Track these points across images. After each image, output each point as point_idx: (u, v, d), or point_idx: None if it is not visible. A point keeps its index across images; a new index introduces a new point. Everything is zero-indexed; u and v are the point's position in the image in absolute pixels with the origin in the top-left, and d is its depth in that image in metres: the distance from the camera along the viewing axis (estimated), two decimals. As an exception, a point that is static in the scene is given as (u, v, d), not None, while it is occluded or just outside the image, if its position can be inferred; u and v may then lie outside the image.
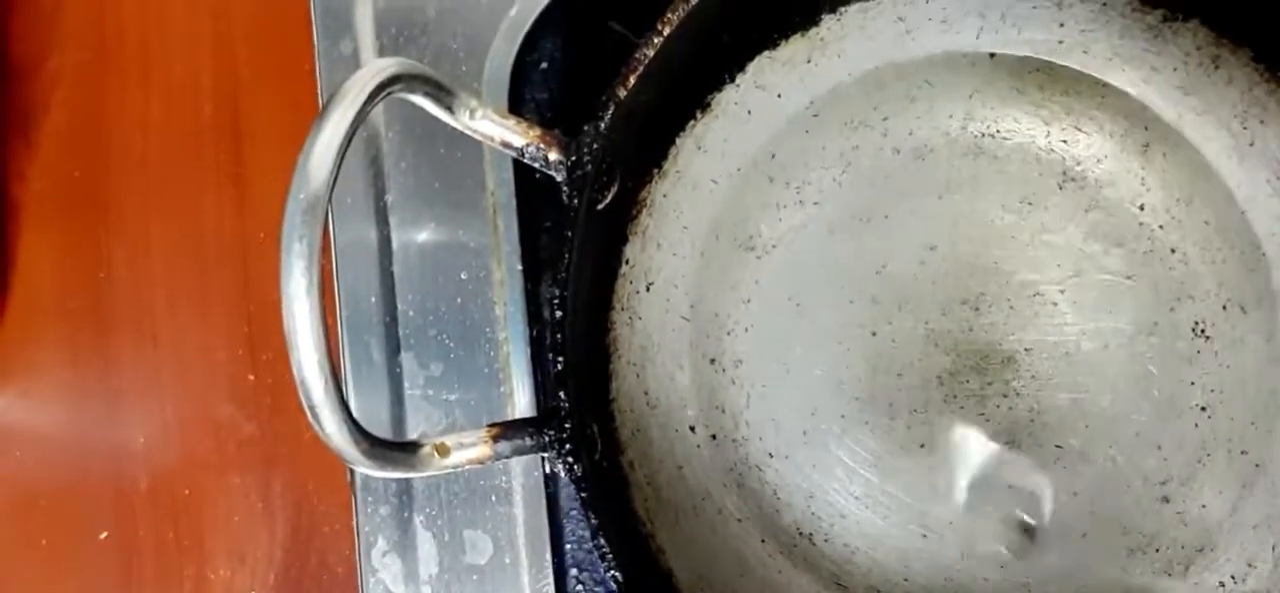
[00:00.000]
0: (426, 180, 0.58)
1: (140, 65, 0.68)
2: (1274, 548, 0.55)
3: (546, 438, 0.44)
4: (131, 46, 0.68)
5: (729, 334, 0.56)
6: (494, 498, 0.58)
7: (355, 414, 0.53)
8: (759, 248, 0.57)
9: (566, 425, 0.44)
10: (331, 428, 0.40)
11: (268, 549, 0.64)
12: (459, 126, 0.44)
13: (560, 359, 0.44)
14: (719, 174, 0.55)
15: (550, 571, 0.56)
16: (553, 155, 0.45)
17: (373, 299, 0.58)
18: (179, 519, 0.64)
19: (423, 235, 0.58)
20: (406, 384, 0.58)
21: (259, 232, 0.66)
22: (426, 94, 0.43)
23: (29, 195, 0.68)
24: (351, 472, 0.58)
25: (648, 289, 0.54)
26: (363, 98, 0.40)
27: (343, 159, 0.39)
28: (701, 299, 0.56)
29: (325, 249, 0.58)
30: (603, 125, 0.44)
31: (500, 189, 0.58)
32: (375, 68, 0.40)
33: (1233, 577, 0.55)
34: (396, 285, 0.58)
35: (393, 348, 0.58)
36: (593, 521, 0.43)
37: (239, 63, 0.67)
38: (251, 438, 0.66)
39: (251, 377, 0.65)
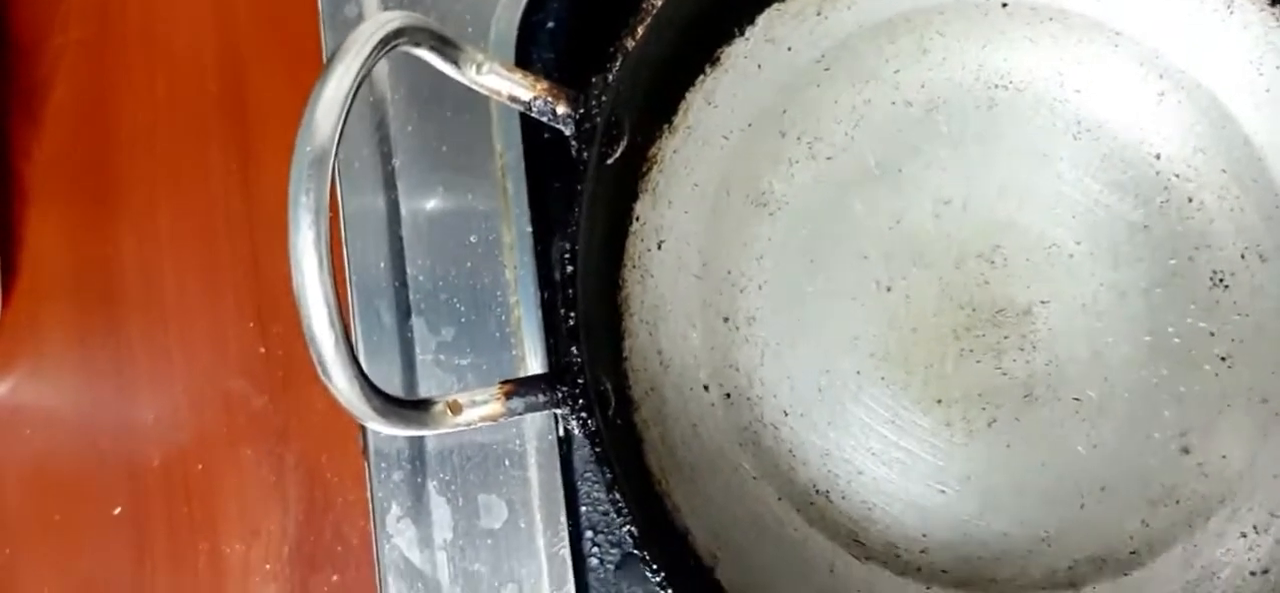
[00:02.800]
0: (434, 144, 0.58)
1: (144, 41, 0.67)
2: (1296, 498, 0.54)
3: (559, 394, 0.44)
4: (134, 22, 0.67)
5: (742, 292, 0.56)
6: (507, 462, 0.57)
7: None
8: (771, 204, 0.56)
9: (579, 381, 0.43)
10: (342, 384, 0.40)
11: (281, 523, 0.63)
12: (465, 81, 0.44)
13: (572, 315, 0.43)
14: (730, 129, 0.55)
15: (565, 533, 0.56)
16: (561, 108, 0.44)
17: (382, 265, 0.57)
18: (192, 495, 0.64)
19: (431, 200, 0.58)
20: (418, 349, 0.58)
21: (267, 204, 0.65)
22: (432, 48, 0.42)
23: (35, 174, 0.67)
24: (364, 439, 0.58)
25: (659, 247, 0.54)
26: (367, 50, 0.39)
27: (348, 112, 0.39)
28: (714, 256, 0.55)
29: (334, 216, 0.58)
30: (611, 77, 0.44)
31: (509, 151, 0.57)
32: (380, 21, 0.40)
33: (1254, 527, 0.54)
34: (406, 250, 0.57)
35: (403, 313, 0.57)
36: (608, 475, 0.43)
37: (243, 36, 0.67)
38: (263, 412, 0.66)
39: (262, 350, 0.64)
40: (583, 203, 0.44)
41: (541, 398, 0.44)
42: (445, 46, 0.42)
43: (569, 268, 0.43)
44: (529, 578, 0.57)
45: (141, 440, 0.65)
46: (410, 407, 0.42)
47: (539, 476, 0.56)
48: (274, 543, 0.64)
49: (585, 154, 0.43)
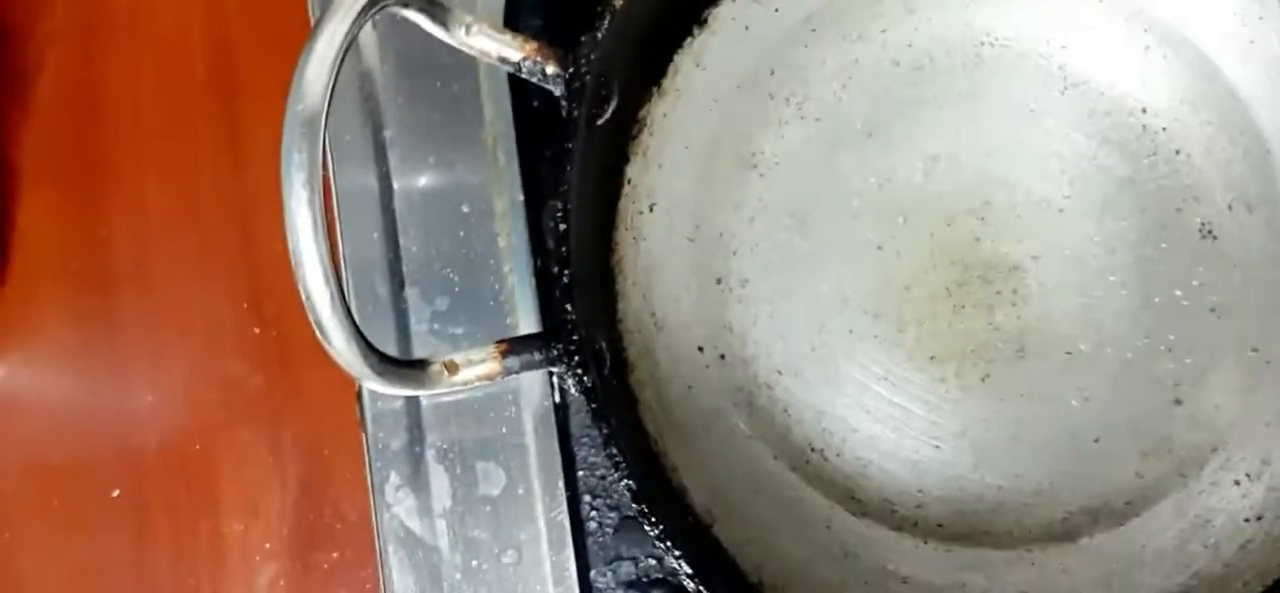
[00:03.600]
0: (424, 115, 0.58)
1: (132, 25, 0.67)
2: (1288, 444, 0.54)
3: (555, 352, 0.44)
4: (122, 6, 0.67)
5: (734, 253, 0.56)
6: (505, 429, 0.58)
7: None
8: (762, 165, 0.56)
9: (574, 338, 0.44)
10: (340, 343, 0.40)
11: (280, 501, 0.63)
12: (454, 44, 0.44)
13: (566, 273, 0.43)
14: (719, 91, 0.55)
15: (563, 499, 0.56)
16: (550, 68, 0.44)
17: (376, 236, 0.57)
18: (191, 476, 0.64)
19: (423, 170, 0.58)
20: (412, 319, 0.58)
21: (258, 185, 0.65)
22: (420, 8, 0.42)
23: (26, 159, 0.67)
24: (361, 409, 0.58)
25: (651, 210, 0.54)
26: (356, 10, 0.39)
27: (338, 73, 0.39)
28: (705, 219, 0.56)
29: (326, 189, 0.58)
30: (600, 34, 0.44)
31: (499, 120, 0.57)
32: (364, -15, 0.40)
33: (1247, 475, 0.55)
34: (398, 222, 0.58)
35: (397, 284, 0.58)
36: (604, 430, 0.43)
37: (230, 17, 0.67)
38: (259, 391, 0.66)
39: (257, 330, 0.65)
40: (573, 162, 0.44)
41: (537, 356, 0.44)
42: (433, 8, 0.43)
43: (562, 226, 0.44)
44: (528, 543, 0.57)
45: (138, 423, 0.65)
46: (407, 366, 0.42)
47: (536, 442, 0.57)
48: (273, 522, 0.64)
49: (576, 113, 0.44)
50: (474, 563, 0.57)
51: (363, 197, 0.58)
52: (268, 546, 0.64)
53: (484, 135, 0.58)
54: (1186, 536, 0.55)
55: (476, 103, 0.58)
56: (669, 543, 0.44)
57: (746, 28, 0.55)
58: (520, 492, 0.57)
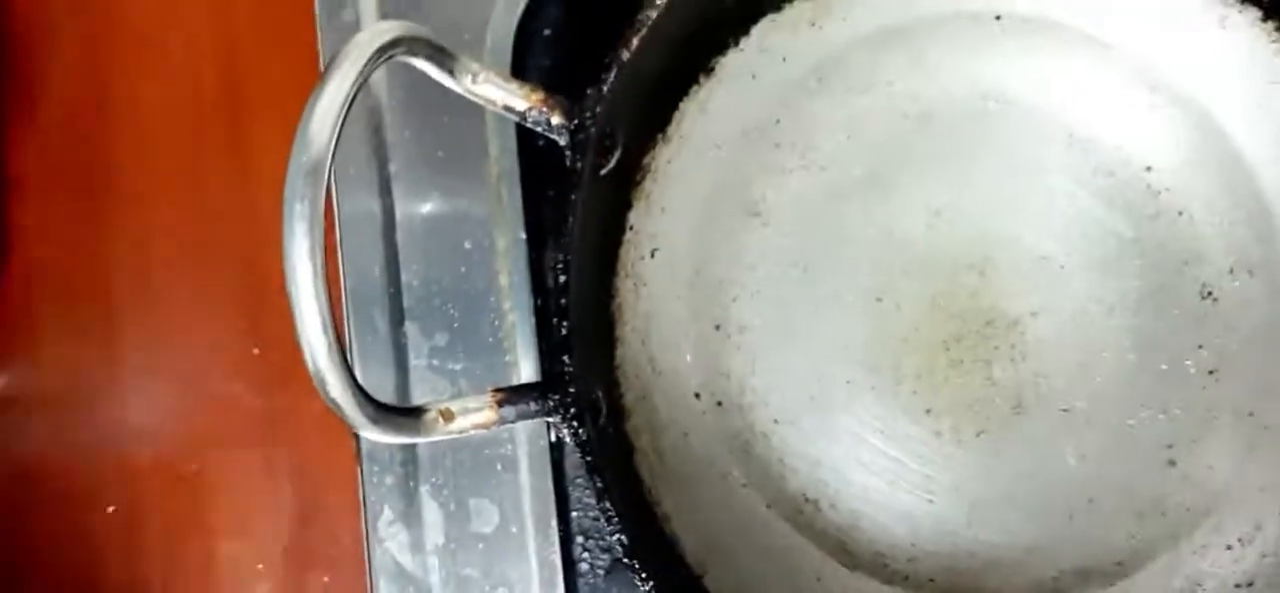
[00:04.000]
0: (430, 150, 0.58)
1: (139, 37, 0.67)
2: (1281, 511, 0.54)
3: (551, 403, 0.44)
4: (132, 18, 0.67)
5: (734, 300, 0.56)
6: (499, 467, 0.58)
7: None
8: (764, 214, 0.56)
9: (571, 390, 0.44)
10: (336, 393, 0.40)
11: (274, 523, 0.63)
12: (461, 91, 0.44)
13: (564, 324, 0.44)
14: (723, 139, 0.55)
15: (556, 538, 0.56)
16: (556, 119, 0.44)
17: (377, 270, 0.58)
18: (185, 494, 0.64)
19: (426, 205, 0.58)
20: (411, 354, 0.58)
21: (262, 204, 0.65)
22: (428, 57, 0.42)
23: (30, 171, 0.67)
24: (357, 442, 0.58)
25: (652, 255, 0.54)
26: (363, 60, 0.39)
27: (344, 122, 0.39)
28: (706, 265, 0.56)
29: (329, 220, 0.58)
30: (606, 88, 0.44)
31: (504, 157, 0.57)
32: (377, 30, 0.40)
33: (1239, 540, 0.55)
34: (400, 256, 0.58)
35: (397, 319, 0.58)
36: (598, 484, 0.43)
37: (240, 33, 0.67)
38: (256, 412, 0.66)
39: (256, 351, 0.65)
40: (576, 212, 0.44)
41: (533, 406, 0.44)
42: (441, 56, 0.43)
43: (562, 278, 0.44)
44: (520, 582, 0.58)
45: (135, 439, 0.65)
46: (403, 414, 0.42)
47: (530, 480, 0.57)
48: (266, 544, 0.64)
49: (579, 164, 0.44)
50: (465, 600, 0.58)
51: (366, 229, 0.58)
52: (260, 566, 0.64)
53: (488, 171, 0.58)
54: (1177, 599, 0.55)
55: (481, 139, 0.58)
56: (659, 598, 0.43)
57: (753, 77, 0.55)
58: (513, 530, 0.57)
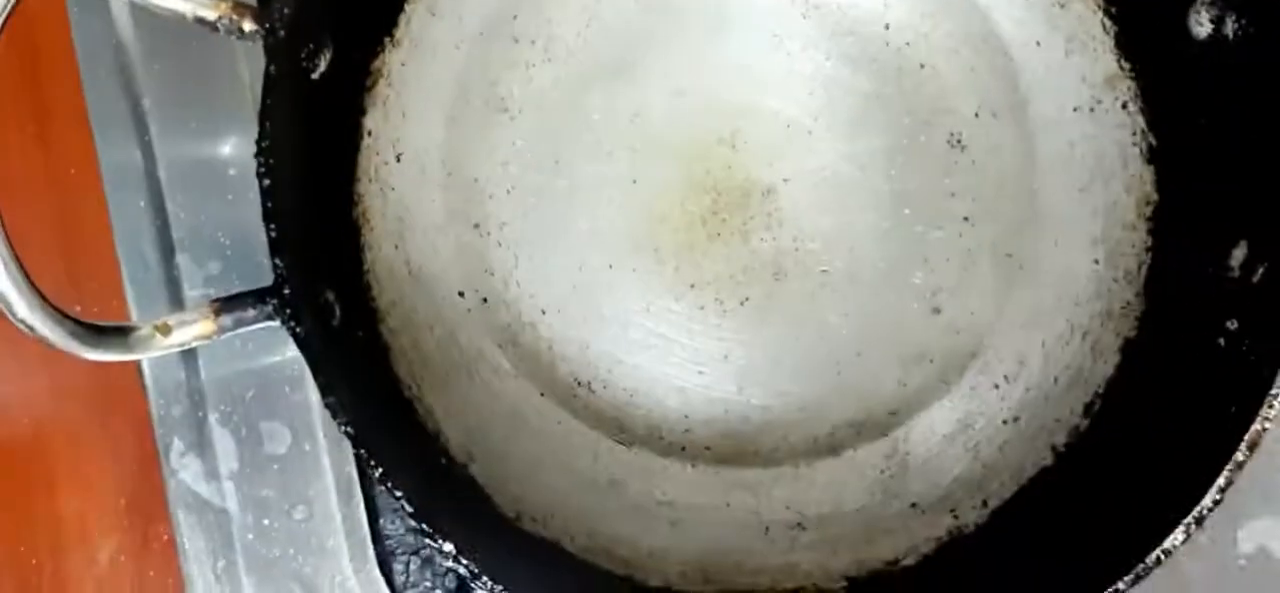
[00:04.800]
0: (183, 80, 0.59)
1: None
2: (1042, 344, 0.56)
3: (270, 307, 0.45)
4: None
5: (491, 198, 0.57)
6: (287, 388, 0.59)
7: (134, 319, 0.54)
8: (511, 109, 0.57)
9: (285, 291, 0.44)
10: (26, 314, 0.41)
11: (115, 476, 0.64)
12: (149, 7, 0.44)
13: (272, 227, 0.44)
14: (459, 38, 0.56)
15: (350, 452, 0.57)
16: (247, 25, 0.45)
17: (141, 204, 0.58)
18: (23, 456, 0.64)
19: (185, 136, 0.58)
20: (185, 286, 0.58)
21: (67, 162, 0.65)
22: (101, -24, 0.43)
23: None
24: (141, 376, 0.59)
25: (398, 159, 0.55)
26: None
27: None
28: (458, 166, 0.56)
29: (90, 161, 0.58)
30: (291, -10, 0.44)
31: (257, 81, 0.57)
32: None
33: (1006, 377, 0.56)
34: (164, 189, 0.58)
35: (168, 251, 0.58)
36: (320, 380, 0.44)
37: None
38: (86, 367, 0.66)
39: (78, 308, 0.65)
40: (275, 116, 0.44)
41: (252, 313, 0.45)
42: (117, -26, 0.43)
43: (266, 182, 0.44)
44: (318, 498, 0.59)
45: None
46: (112, 332, 0.43)
47: (319, 398, 0.57)
48: (110, 496, 0.64)
49: (272, 69, 0.44)
50: (265, 522, 0.59)
51: (127, 166, 0.58)
52: (106, 520, 0.65)
53: (243, 94, 0.58)
54: (949, 441, 0.56)
55: (233, 64, 0.58)
56: (391, 484, 0.44)
57: (480, -28, 0.55)
58: (306, 448, 0.58)
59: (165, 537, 0.64)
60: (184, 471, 0.59)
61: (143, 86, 0.59)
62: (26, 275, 0.40)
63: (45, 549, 0.65)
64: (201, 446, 0.59)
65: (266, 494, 0.59)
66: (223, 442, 0.59)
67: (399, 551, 0.60)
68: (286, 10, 0.45)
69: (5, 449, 0.64)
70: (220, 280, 0.59)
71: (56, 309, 0.41)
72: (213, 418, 0.59)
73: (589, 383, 0.57)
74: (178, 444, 0.59)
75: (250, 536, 0.59)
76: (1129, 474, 0.51)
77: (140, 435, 0.63)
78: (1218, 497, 0.45)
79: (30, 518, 0.64)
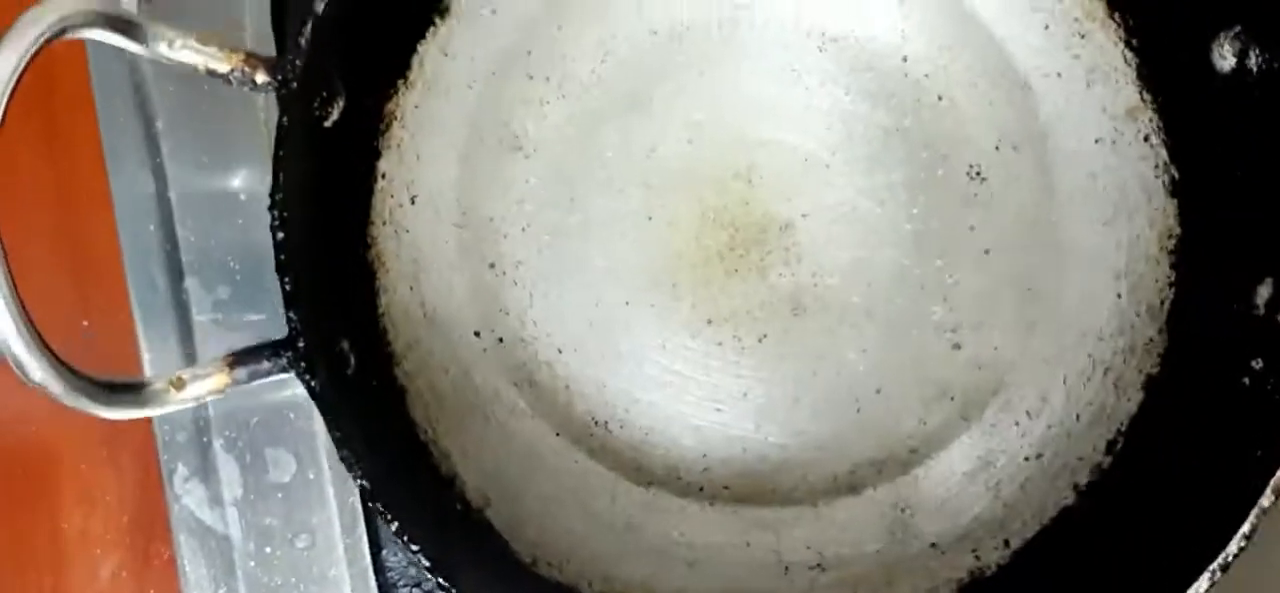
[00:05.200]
0: (197, 106, 0.58)
1: None
2: (1064, 380, 0.55)
3: (284, 360, 0.44)
4: None
5: (505, 237, 0.56)
6: (293, 415, 0.58)
7: (143, 344, 0.53)
8: (526, 147, 0.57)
9: (299, 345, 0.44)
10: (40, 376, 0.40)
11: (118, 493, 0.63)
12: (158, 59, 0.44)
13: (287, 280, 0.44)
14: (472, 78, 0.55)
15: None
16: (260, 78, 0.45)
17: (151, 227, 0.58)
18: (26, 472, 0.64)
19: (197, 162, 0.58)
20: (194, 310, 0.58)
21: (79, 179, 0.65)
22: (110, 29, 0.42)
23: None
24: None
25: (412, 201, 0.54)
26: (25, 43, 0.40)
27: (5, 107, 0.39)
28: (473, 205, 0.56)
29: (99, 189, 0.58)
30: (304, 41, 0.44)
31: (271, 111, 0.57)
32: (36, 14, 0.40)
33: (1027, 414, 0.56)
34: (175, 212, 0.58)
35: (176, 275, 0.58)
36: (336, 434, 0.44)
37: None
38: (90, 382, 0.65)
39: (85, 323, 0.64)
40: (288, 166, 0.44)
41: (266, 365, 0.45)
42: (127, 28, 0.43)
43: (280, 234, 0.44)
44: (321, 527, 0.58)
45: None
46: (124, 390, 0.43)
47: (325, 427, 0.57)
48: (112, 513, 0.64)
49: (285, 120, 0.44)
50: (267, 550, 0.58)
51: (137, 191, 0.58)
52: (108, 537, 0.64)
53: (257, 120, 0.58)
54: (970, 478, 0.56)
55: (249, 94, 0.57)
56: (406, 537, 0.44)
57: (493, 11, 0.55)
58: (311, 476, 0.58)
59: (166, 555, 0.64)
60: (187, 496, 0.59)
61: (157, 108, 0.58)
62: (39, 336, 0.40)
63: (47, 565, 0.65)
64: (206, 471, 0.59)
65: (269, 522, 0.59)
66: (227, 468, 0.59)
67: (401, 582, 0.60)
68: (298, 62, 0.44)
69: (8, 464, 0.64)
70: (229, 306, 0.59)
71: (68, 368, 0.41)
72: (217, 444, 0.59)
73: (606, 422, 0.56)
74: (182, 469, 0.59)
75: (252, 563, 0.59)
76: (1152, 516, 0.50)
77: (144, 454, 0.62)
78: (1243, 544, 0.45)
79: (32, 533, 0.64)
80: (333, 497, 0.58)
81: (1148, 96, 0.54)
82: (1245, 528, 0.45)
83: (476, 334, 0.56)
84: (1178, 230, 0.54)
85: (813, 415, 0.57)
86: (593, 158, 0.57)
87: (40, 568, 0.64)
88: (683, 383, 0.57)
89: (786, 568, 0.55)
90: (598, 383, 0.57)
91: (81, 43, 0.58)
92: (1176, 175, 0.54)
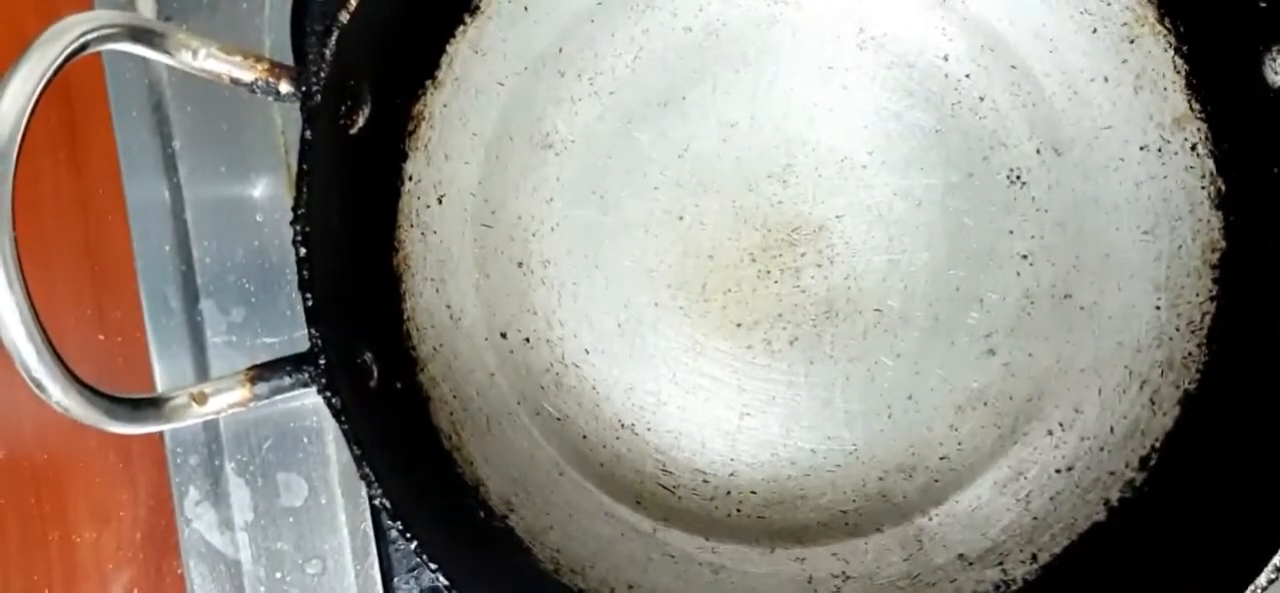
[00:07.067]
0: (214, 123, 0.57)
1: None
2: (1100, 392, 0.54)
3: (306, 375, 0.44)
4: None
5: (534, 236, 0.56)
6: (305, 439, 0.58)
7: (155, 365, 0.53)
8: (557, 145, 0.55)
9: (321, 361, 0.43)
10: (57, 393, 0.40)
11: (132, 508, 0.63)
12: (182, 68, 0.43)
13: (309, 296, 0.43)
14: (504, 75, 0.54)
15: (367, 508, 0.57)
16: (284, 87, 0.44)
17: (167, 248, 0.57)
18: (40, 485, 0.64)
19: (214, 180, 0.57)
20: (208, 332, 0.58)
21: (98, 189, 0.65)
22: (135, 40, 0.42)
23: None
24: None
25: (440, 202, 0.53)
26: (51, 55, 0.39)
27: (28, 122, 0.38)
28: (502, 204, 0.55)
29: (116, 199, 0.57)
30: (329, 50, 0.43)
31: (289, 128, 0.56)
32: (66, 25, 0.39)
33: (1060, 424, 0.55)
34: (191, 233, 0.57)
35: (192, 297, 0.57)
36: (355, 450, 0.43)
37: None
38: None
39: (101, 337, 0.64)
40: (313, 180, 0.43)
41: (288, 380, 0.44)
42: (151, 38, 0.42)
43: (303, 250, 0.43)
44: (332, 553, 0.58)
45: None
46: (145, 404, 0.42)
47: (337, 451, 0.57)
48: (126, 529, 0.64)
49: (309, 132, 0.43)
50: (278, 575, 0.58)
51: (154, 208, 0.58)
52: (121, 552, 0.65)
53: (275, 141, 0.57)
54: (1000, 489, 0.55)
55: (267, 109, 0.57)
56: (426, 557, 0.44)
57: (526, 8, 0.54)
58: (323, 502, 0.58)
59: (178, 571, 0.64)
60: (198, 520, 0.59)
61: (175, 127, 0.57)
62: (59, 357, 0.39)
63: (59, 580, 0.65)
64: (217, 495, 0.58)
65: (281, 547, 0.59)
66: (238, 492, 0.58)
67: (412, 609, 0.60)
68: (324, 70, 0.43)
69: (22, 479, 0.64)
70: (244, 328, 0.58)
71: (89, 388, 0.41)
72: (229, 467, 0.58)
73: (634, 425, 0.56)
74: (193, 493, 0.59)
75: (262, 588, 0.59)
76: (1185, 537, 0.50)
77: (158, 471, 0.62)
78: (1273, 576, 0.44)
79: (45, 547, 0.64)
80: (345, 523, 0.58)
81: (1197, 106, 0.52)
82: (1278, 559, 0.43)
83: (503, 336, 0.55)
84: (1222, 244, 0.52)
85: (844, 421, 0.56)
86: (624, 157, 0.56)
87: (52, 581, 0.64)
88: (712, 386, 0.56)
89: (810, 578, 0.54)
90: (625, 385, 0.56)
91: (98, 56, 0.57)
92: (1223, 188, 0.52)
